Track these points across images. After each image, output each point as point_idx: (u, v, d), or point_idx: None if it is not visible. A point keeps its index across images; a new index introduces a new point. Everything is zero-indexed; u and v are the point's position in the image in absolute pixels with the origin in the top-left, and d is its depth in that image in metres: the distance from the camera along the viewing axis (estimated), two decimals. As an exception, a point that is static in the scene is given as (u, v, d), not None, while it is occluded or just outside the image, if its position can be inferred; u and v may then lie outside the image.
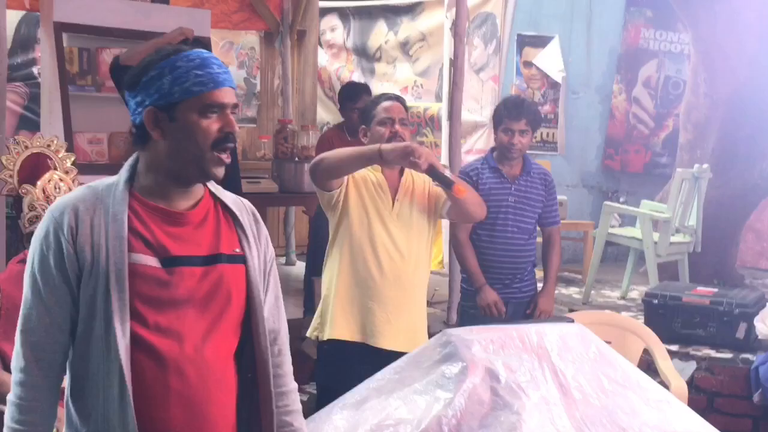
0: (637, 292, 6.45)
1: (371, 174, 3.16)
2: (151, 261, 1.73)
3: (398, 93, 5.25)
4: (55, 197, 3.06)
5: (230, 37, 7.89)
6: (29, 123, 7.38)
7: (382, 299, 3.10)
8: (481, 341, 2.25)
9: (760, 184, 6.35)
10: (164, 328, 1.72)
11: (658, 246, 5.68)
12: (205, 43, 4.32)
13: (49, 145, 3.17)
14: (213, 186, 1.88)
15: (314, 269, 5.01)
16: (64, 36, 5.69)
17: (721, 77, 6.15)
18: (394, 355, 2.99)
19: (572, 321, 2.56)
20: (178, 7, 6.40)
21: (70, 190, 3.10)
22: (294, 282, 6.49)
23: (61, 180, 3.10)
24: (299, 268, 7.14)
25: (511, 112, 3.74)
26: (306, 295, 5.07)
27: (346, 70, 9.12)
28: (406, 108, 3.26)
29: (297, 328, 5.00)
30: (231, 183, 4.18)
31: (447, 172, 3.02)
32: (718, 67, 6.13)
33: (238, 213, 1.88)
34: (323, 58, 8.93)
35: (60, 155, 3.18)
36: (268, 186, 5.94)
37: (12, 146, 3.14)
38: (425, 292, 3.30)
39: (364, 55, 8.98)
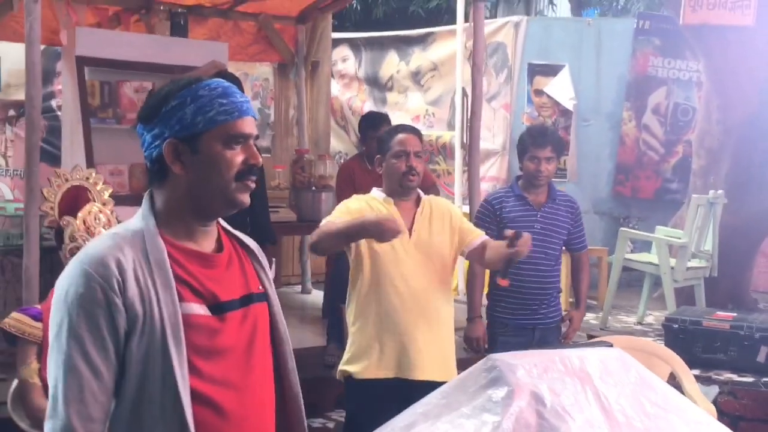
0: (653, 317, 6.50)
1: (383, 208, 3.18)
2: (201, 309, 1.63)
3: (410, 122, 5.36)
4: (95, 228, 3.13)
5: (245, 69, 8.01)
6: (48, 156, 7.47)
7: (410, 332, 3.12)
8: (525, 365, 2.28)
9: (774, 209, 6.42)
10: (220, 380, 1.64)
11: (675, 271, 5.74)
12: (231, 78, 4.40)
13: (87, 178, 3.25)
14: (223, 223, 1.81)
15: (336, 296, 5.06)
16: (86, 70, 5.79)
17: (733, 104, 6.24)
18: (427, 385, 3.04)
19: (611, 345, 2.60)
20: (197, 41, 6.52)
21: (109, 222, 3.17)
22: (311, 310, 6.54)
23: (100, 212, 3.17)
24: (315, 296, 7.17)
25: (536, 140, 3.81)
26: (330, 322, 5.10)
27: (357, 99, 9.24)
28: (422, 139, 3.31)
29: (320, 356, 5.06)
30: (260, 215, 4.26)
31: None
32: (731, 95, 6.23)
33: (255, 249, 1.83)
34: (335, 88, 9.05)
35: (98, 188, 3.25)
36: (286, 215, 6.02)
37: (53, 179, 3.21)
38: (452, 318, 3.33)
39: (376, 84, 9.11)
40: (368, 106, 9.18)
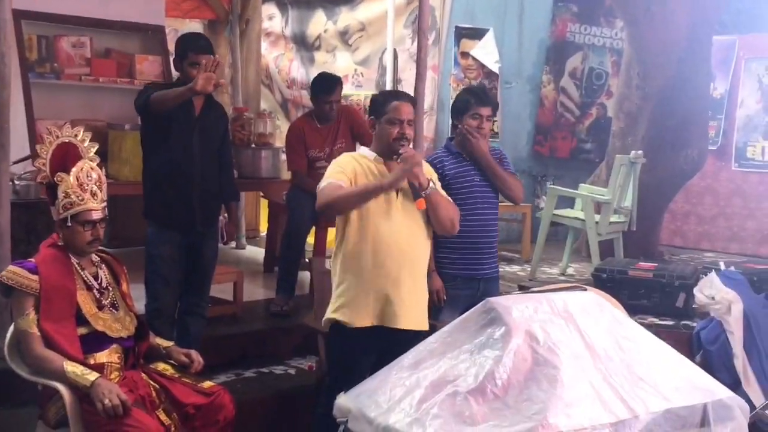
0: (572, 269, 6.97)
1: (374, 167, 3.36)
2: None
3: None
4: (87, 185, 3.22)
5: (175, 25, 7.94)
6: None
7: (394, 283, 3.32)
8: (519, 307, 2.59)
9: (685, 170, 6.96)
10: None
11: (599, 226, 6.18)
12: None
13: (76, 135, 3.32)
14: None
15: (289, 250, 5.24)
16: (23, 23, 5.70)
17: (653, 72, 6.69)
18: (406, 333, 3.28)
19: (585, 290, 2.94)
20: (133, -4, 6.47)
21: (99, 178, 3.28)
22: (251, 264, 6.69)
23: (91, 169, 3.26)
24: (251, 251, 7.31)
25: (480, 99, 4.04)
26: (280, 275, 5.28)
27: (284, 58, 9.30)
28: (415, 106, 3.51)
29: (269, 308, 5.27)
30: (227, 170, 4.39)
31: (431, 185, 3.30)
32: (651, 63, 6.67)
33: None
34: (261, 45, 9.07)
35: (85, 144, 3.34)
36: (229, 172, 6.11)
37: (45, 136, 3.27)
38: (426, 270, 3.56)
39: (303, 43, 9.18)
40: (296, 66, 9.26)
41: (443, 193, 3.52)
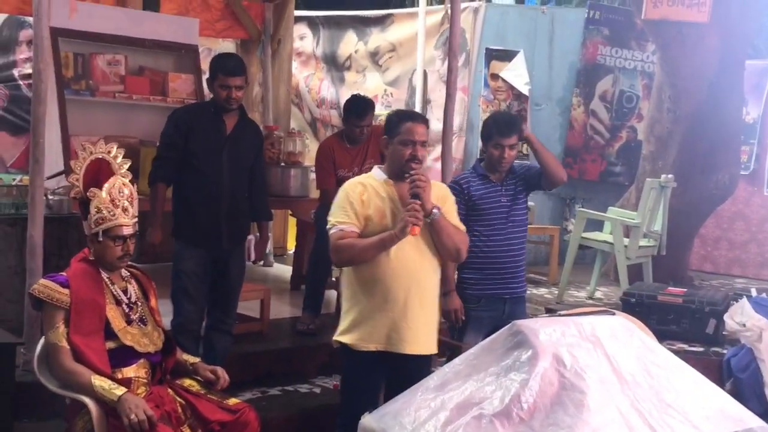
0: (600, 292, 6.92)
1: (382, 189, 3.32)
2: None
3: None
4: (119, 200, 3.26)
5: (208, 44, 8.04)
6: (8, 125, 7.41)
7: (402, 307, 3.30)
8: (546, 330, 2.57)
9: (716, 194, 6.89)
10: None
11: (628, 249, 6.14)
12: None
13: (109, 151, 3.37)
14: None
15: (316, 271, 5.26)
16: (60, 41, 5.80)
17: (684, 95, 6.65)
18: (414, 358, 3.29)
19: (614, 314, 2.91)
20: (168, 15, 6.57)
21: (131, 195, 3.32)
22: (278, 282, 6.71)
23: (124, 185, 3.30)
24: (278, 269, 7.34)
25: (502, 130, 4.03)
26: (307, 293, 5.30)
27: (315, 77, 9.38)
28: (428, 127, 3.47)
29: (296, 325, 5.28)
30: (261, 189, 4.42)
31: (435, 212, 3.27)
32: (682, 86, 6.63)
33: None
34: (292, 65, 9.15)
35: (118, 161, 3.38)
36: (257, 190, 6.16)
37: (80, 152, 3.32)
38: (438, 293, 3.51)
39: (334, 63, 9.25)
40: (326, 85, 9.33)
41: (455, 219, 3.48)
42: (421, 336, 3.35)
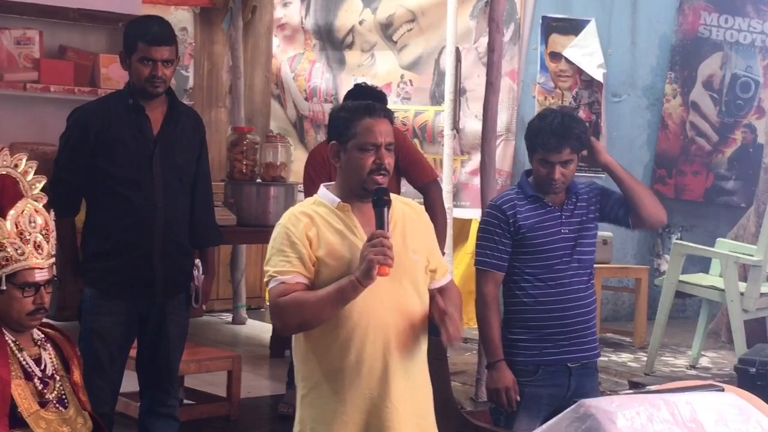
0: (707, 359, 6.90)
1: (336, 219, 3.27)
2: None
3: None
4: (29, 234, 3.28)
5: (157, 13, 8.13)
6: None
7: (379, 380, 3.25)
8: (626, 414, 2.57)
9: None
10: None
11: (745, 298, 6.12)
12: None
13: (16, 165, 3.39)
14: None
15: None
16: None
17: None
18: None
19: (722, 389, 2.91)
20: (103, -22, 6.64)
21: (46, 225, 3.33)
22: (253, 346, 6.72)
23: (36, 211, 3.32)
24: (254, 328, 7.37)
25: (547, 141, 3.96)
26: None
27: (304, 59, 9.40)
28: (393, 123, 3.42)
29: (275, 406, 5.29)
30: (204, 207, 4.42)
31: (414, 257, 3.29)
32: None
33: None
34: (272, 42, 9.22)
35: (29, 178, 3.40)
36: (222, 217, 6.16)
37: (-26, 167, 3.35)
38: (425, 357, 3.44)
39: (330, 39, 9.29)
40: (319, 70, 9.34)
41: (435, 258, 3.46)
42: (412, 420, 3.33)
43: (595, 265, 4.23)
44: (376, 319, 3.26)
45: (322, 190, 3.37)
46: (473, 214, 7.72)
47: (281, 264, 3.23)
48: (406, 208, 3.41)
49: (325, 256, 3.24)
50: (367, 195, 3.26)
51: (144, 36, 4.10)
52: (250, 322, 7.59)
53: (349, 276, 3.14)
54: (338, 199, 3.31)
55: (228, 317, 7.78)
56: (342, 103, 3.81)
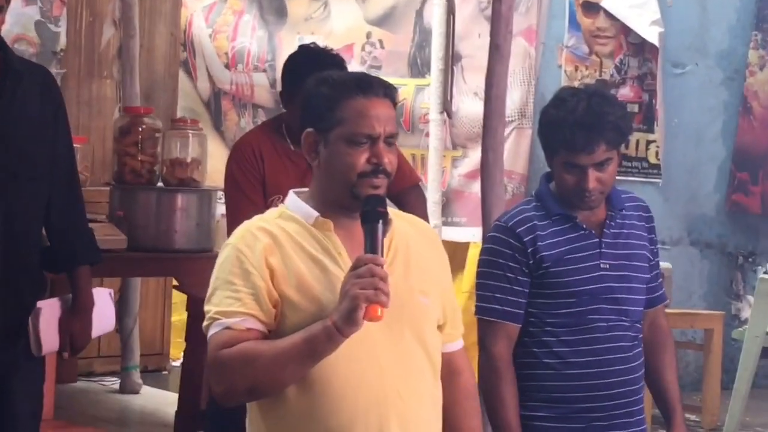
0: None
1: (312, 241, 3.23)
2: None
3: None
4: None
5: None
6: None
7: None
8: None
9: None
10: None
11: None
12: None
13: None
14: None
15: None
16: None
17: None
18: None
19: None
20: None
21: None
22: (150, 424, 6.71)
23: None
24: (152, 398, 7.37)
25: (575, 138, 3.95)
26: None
27: (227, 9, 9.42)
28: (396, 103, 3.42)
29: None
30: (70, 217, 4.39)
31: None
32: None
33: None
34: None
35: None
36: (106, 237, 6.14)
37: None
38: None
39: (263, -19, 9.35)
40: (246, 25, 9.37)
41: (453, 316, 3.48)
42: None
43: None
44: (368, 390, 3.24)
45: (292, 198, 3.35)
46: (471, 235, 7.74)
47: (227, 302, 3.19)
48: (411, 229, 3.40)
49: (293, 294, 3.21)
50: (357, 207, 3.22)
51: None
52: (146, 390, 7.58)
53: (324, 320, 3.08)
54: (315, 213, 3.29)
55: (114, 383, 7.77)
56: (322, 74, 3.67)
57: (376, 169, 3.24)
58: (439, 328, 3.36)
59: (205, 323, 3.23)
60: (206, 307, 3.24)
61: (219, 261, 3.28)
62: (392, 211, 3.31)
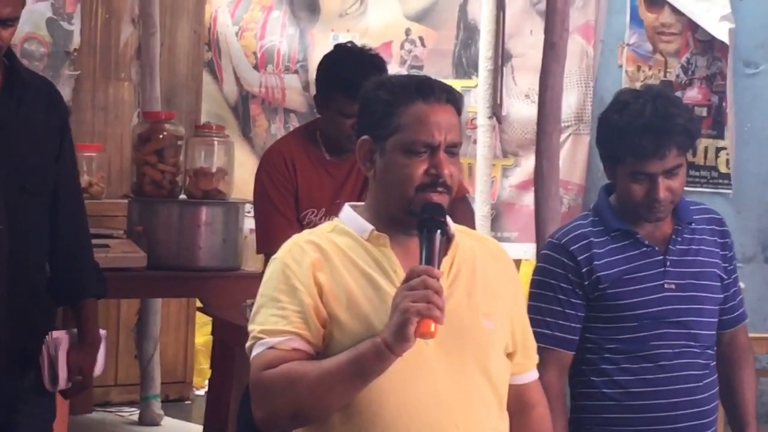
0: None
1: (366, 256, 3.24)
2: None
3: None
4: None
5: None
6: None
7: None
8: None
9: None
10: None
11: None
12: None
13: None
14: None
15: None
16: None
17: None
18: None
19: None
20: None
21: None
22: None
23: None
24: (171, 429, 7.38)
25: (643, 145, 3.95)
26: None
27: (256, 6, 9.45)
28: (461, 111, 3.41)
29: None
30: (75, 245, 4.39)
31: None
32: None
33: None
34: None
35: None
36: (125, 254, 6.15)
37: None
38: None
39: (295, -24, 9.37)
40: (276, 22, 9.39)
41: (527, 340, 3.47)
42: None
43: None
44: (421, 422, 3.23)
45: (347, 210, 3.38)
46: (523, 251, 7.72)
47: (272, 320, 3.20)
48: (478, 246, 3.41)
49: (342, 313, 3.22)
50: (414, 223, 3.22)
51: None
52: (167, 421, 7.63)
53: (373, 337, 3.09)
54: (371, 227, 3.31)
55: (133, 414, 7.82)
56: (381, 77, 3.67)
57: (435, 181, 3.24)
58: (509, 356, 3.36)
59: (248, 344, 3.24)
60: (250, 327, 3.25)
61: (265, 277, 3.30)
62: (457, 226, 3.33)
